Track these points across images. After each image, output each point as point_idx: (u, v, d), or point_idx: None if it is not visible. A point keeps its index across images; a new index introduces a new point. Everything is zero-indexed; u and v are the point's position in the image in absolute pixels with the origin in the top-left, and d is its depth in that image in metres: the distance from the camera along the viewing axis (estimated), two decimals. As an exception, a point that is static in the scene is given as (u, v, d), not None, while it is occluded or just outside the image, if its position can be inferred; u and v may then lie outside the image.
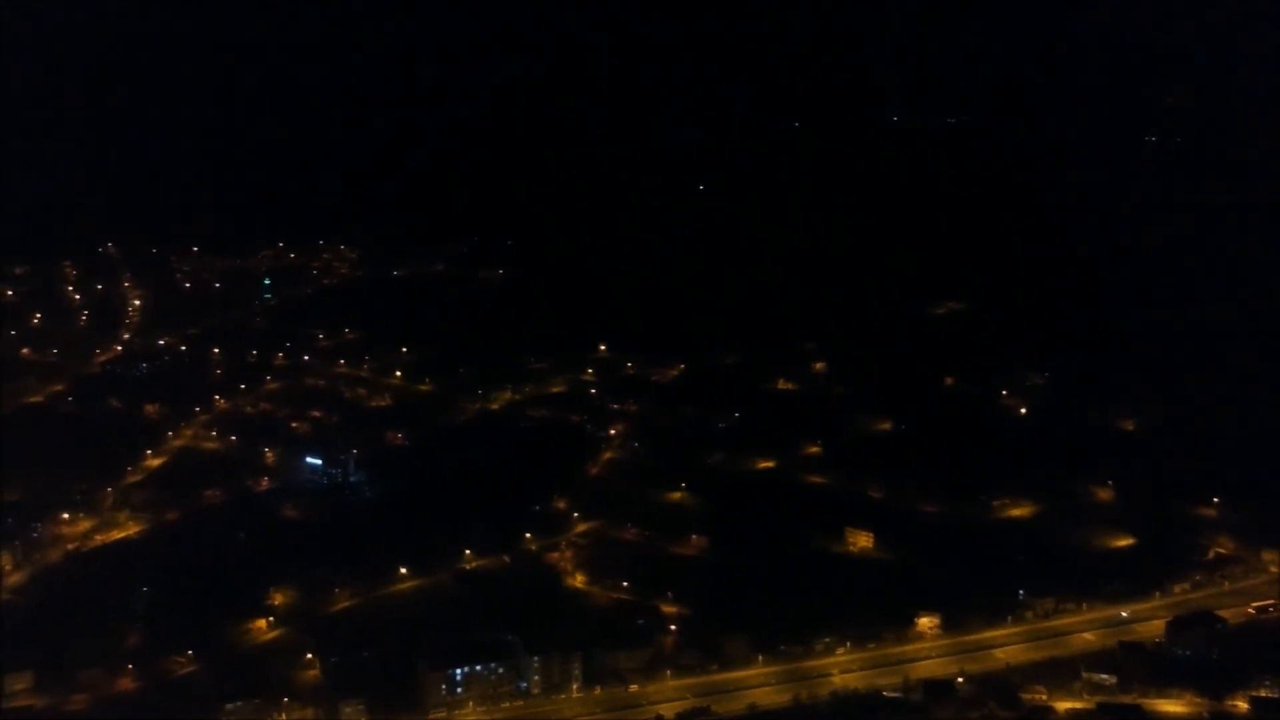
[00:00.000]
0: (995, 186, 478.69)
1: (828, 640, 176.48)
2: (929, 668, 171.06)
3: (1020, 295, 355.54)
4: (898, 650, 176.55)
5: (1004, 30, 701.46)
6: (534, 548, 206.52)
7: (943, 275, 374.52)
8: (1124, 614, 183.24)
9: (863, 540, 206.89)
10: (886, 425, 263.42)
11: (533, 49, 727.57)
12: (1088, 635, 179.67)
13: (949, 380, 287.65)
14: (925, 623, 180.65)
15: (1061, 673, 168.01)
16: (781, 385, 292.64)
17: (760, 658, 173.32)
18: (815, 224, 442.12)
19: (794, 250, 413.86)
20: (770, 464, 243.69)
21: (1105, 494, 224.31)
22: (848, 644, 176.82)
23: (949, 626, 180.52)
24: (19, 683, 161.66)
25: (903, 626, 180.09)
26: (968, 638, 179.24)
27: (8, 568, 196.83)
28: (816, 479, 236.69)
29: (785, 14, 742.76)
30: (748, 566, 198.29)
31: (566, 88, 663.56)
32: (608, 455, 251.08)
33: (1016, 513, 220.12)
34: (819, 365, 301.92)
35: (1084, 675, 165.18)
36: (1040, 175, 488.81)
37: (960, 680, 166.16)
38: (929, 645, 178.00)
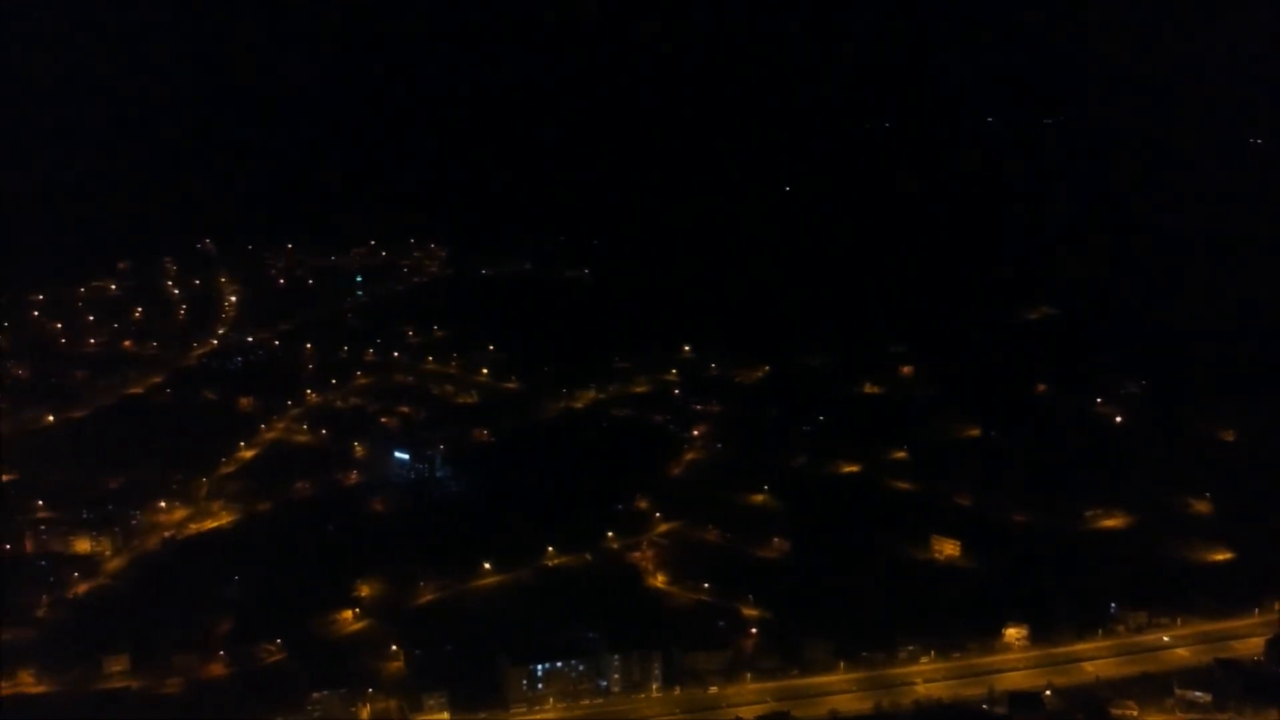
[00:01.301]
0: (1093, 188, 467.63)
1: (911, 648, 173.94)
2: (1015, 679, 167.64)
3: (1117, 300, 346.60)
4: (984, 660, 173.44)
5: (1103, 29, 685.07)
6: (616, 546, 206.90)
7: (1036, 279, 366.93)
8: (1221, 630, 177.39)
9: (949, 548, 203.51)
10: (975, 431, 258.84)
11: (624, 49, 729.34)
12: (1182, 651, 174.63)
13: (1041, 387, 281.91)
14: (1012, 633, 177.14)
15: (1154, 689, 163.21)
16: (868, 388, 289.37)
17: (842, 664, 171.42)
18: (906, 225, 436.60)
19: (883, 252, 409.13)
20: (855, 468, 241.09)
21: (1203, 506, 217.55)
22: (932, 653, 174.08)
23: (1037, 638, 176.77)
24: (116, 664, 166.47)
25: (989, 637, 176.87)
26: (1056, 650, 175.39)
27: (108, 553, 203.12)
28: (902, 484, 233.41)
29: (879, 12, 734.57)
30: (830, 571, 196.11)
31: (657, 88, 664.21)
32: (690, 456, 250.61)
33: (1110, 524, 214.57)
34: (907, 369, 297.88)
35: (1177, 692, 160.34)
36: (1140, 177, 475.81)
37: (1048, 693, 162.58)
38: (1016, 656, 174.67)
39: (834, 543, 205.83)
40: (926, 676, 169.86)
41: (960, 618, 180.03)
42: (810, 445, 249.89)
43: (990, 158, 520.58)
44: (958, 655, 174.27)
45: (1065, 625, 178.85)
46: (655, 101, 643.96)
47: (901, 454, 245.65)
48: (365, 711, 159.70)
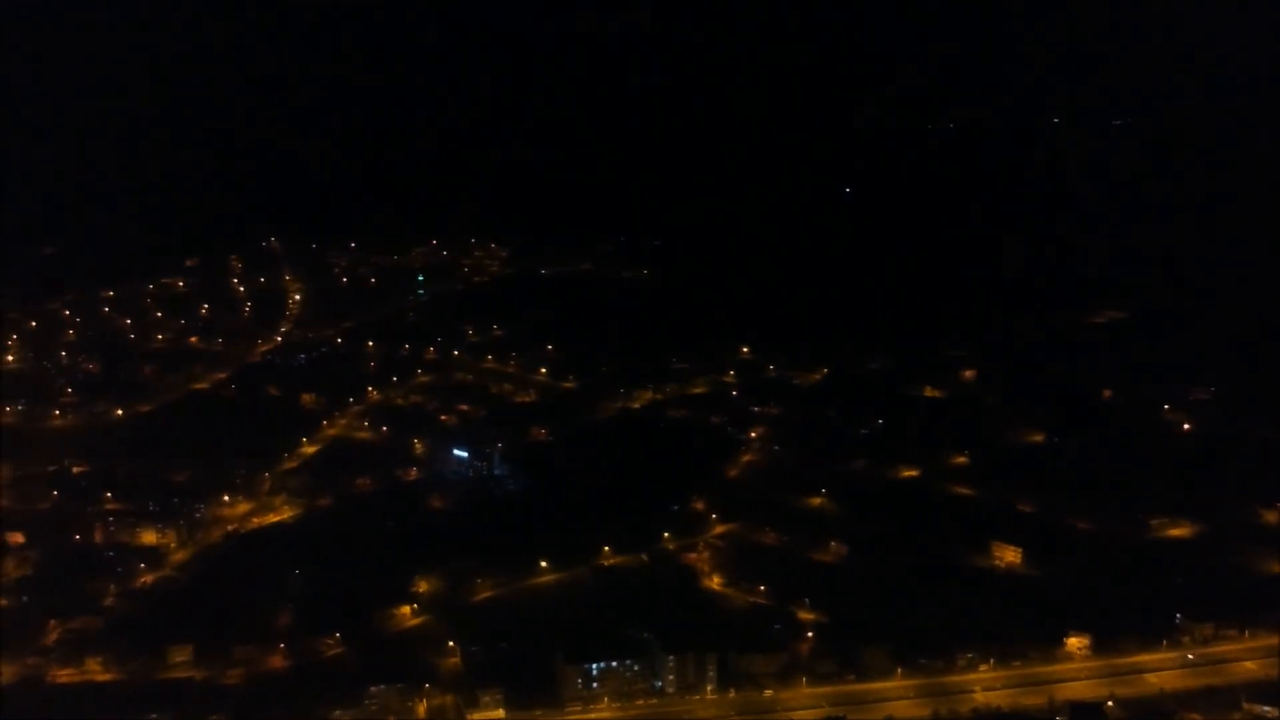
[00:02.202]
0: (1162, 189, 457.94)
1: (970, 656, 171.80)
2: (1077, 689, 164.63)
3: (1186, 304, 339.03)
4: (1044, 670, 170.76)
5: (1173, 28, 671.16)
6: (672, 547, 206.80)
7: (1103, 282, 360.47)
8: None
9: (1010, 555, 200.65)
10: (1039, 437, 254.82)
11: (685, 49, 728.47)
12: (1249, 664, 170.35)
13: (1107, 393, 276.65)
14: (1074, 643, 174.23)
15: (1220, 702, 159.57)
16: (928, 392, 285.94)
17: (899, 670, 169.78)
18: (968, 227, 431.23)
19: (944, 254, 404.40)
20: (914, 473, 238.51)
21: (1272, 516, 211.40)
22: (991, 661, 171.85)
23: (1100, 648, 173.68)
24: (180, 655, 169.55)
25: (1050, 645, 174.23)
26: (1119, 660, 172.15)
27: (173, 545, 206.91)
28: (962, 490, 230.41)
29: (943, 11, 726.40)
30: (888, 576, 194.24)
31: (718, 88, 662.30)
32: (747, 458, 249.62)
33: (1176, 533, 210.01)
34: (968, 373, 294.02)
35: (1245, 706, 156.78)
36: (1209, 179, 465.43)
37: (1110, 704, 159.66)
38: (1078, 666, 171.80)
39: (892, 547, 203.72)
40: (985, 685, 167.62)
41: (1021, 626, 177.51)
42: (869, 449, 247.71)
43: (1057, 158, 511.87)
44: (1018, 664, 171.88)
45: (1129, 635, 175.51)
46: (716, 102, 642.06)
47: (962, 459, 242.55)
48: (421, 707, 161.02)
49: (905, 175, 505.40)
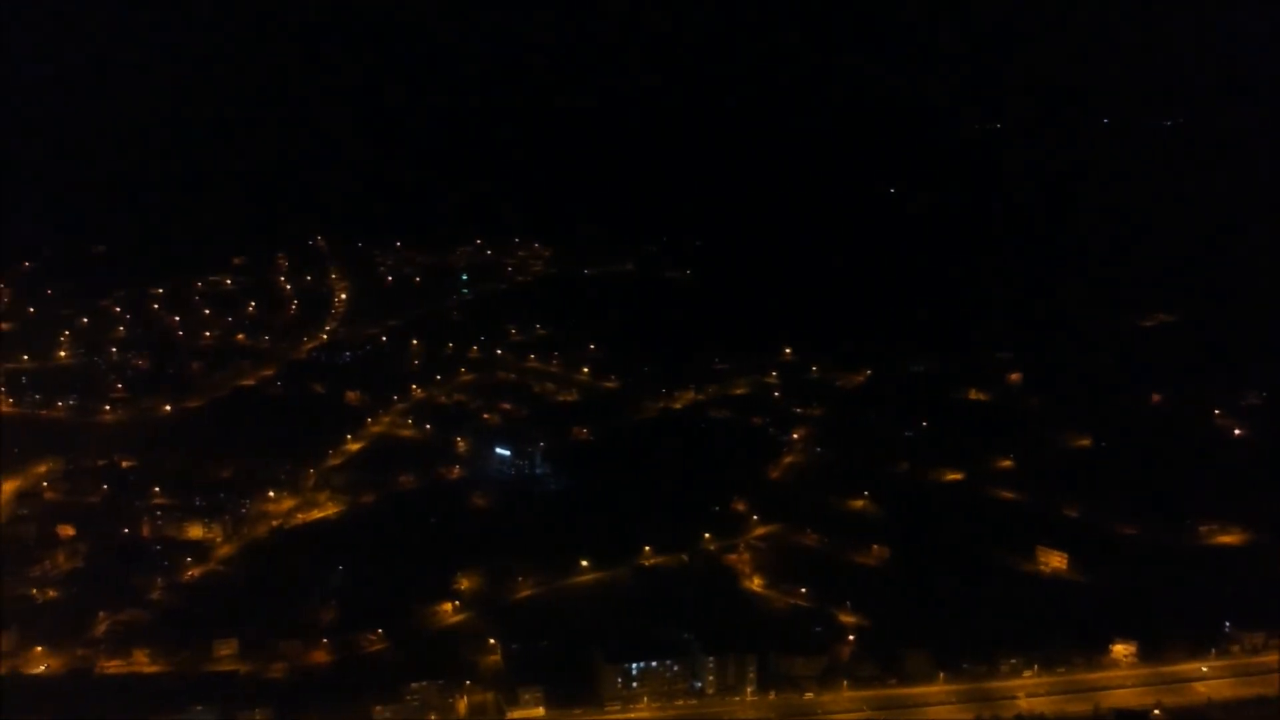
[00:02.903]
0: (1213, 192, 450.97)
1: (1014, 661, 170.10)
2: (1122, 697, 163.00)
3: (1238, 308, 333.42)
4: (1089, 677, 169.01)
5: (1225, 29, 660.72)
6: (712, 548, 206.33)
7: (1152, 285, 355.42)
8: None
9: (1055, 560, 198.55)
10: (1085, 442, 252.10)
11: (730, 50, 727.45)
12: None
13: (1156, 397, 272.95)
14: (1120, 650, 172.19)
15: (1269, 712, 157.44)
16: (973, 395, 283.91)
17: (941, 675, 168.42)
18: (1015, 228, 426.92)
19: (990, 255, 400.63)
20: (958, 476, 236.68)
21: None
22: (1035, 667, 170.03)
23: (1146, 655, 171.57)
24: (225, 648, 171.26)
25: (1096, 652, 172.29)
26: (1166, 669, 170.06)
27: (219, 540, 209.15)
28: (1007, 494, 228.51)
29: (989, 10, 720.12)
30: (931, 580, 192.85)
31: (762, 89, 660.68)
32: (789, 459, 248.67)
33: (1226, 540, 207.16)
34: (1014, 376, 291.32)
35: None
36: (1261, 180, 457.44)
37: (1156, 712, 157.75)
38: (1123, 674, 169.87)
39: (935, 551, 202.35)
40: (1029, 691, 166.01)
41: (1066, 632, 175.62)
42: (912, 452, 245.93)
43: (1106, 159, 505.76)
44: (1062, 670, 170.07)
45: (1177, 643, 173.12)
46: (759, 103, 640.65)
47: (1007, 463, 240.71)
48: (462, 704, 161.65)
49: (951, 175, 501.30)
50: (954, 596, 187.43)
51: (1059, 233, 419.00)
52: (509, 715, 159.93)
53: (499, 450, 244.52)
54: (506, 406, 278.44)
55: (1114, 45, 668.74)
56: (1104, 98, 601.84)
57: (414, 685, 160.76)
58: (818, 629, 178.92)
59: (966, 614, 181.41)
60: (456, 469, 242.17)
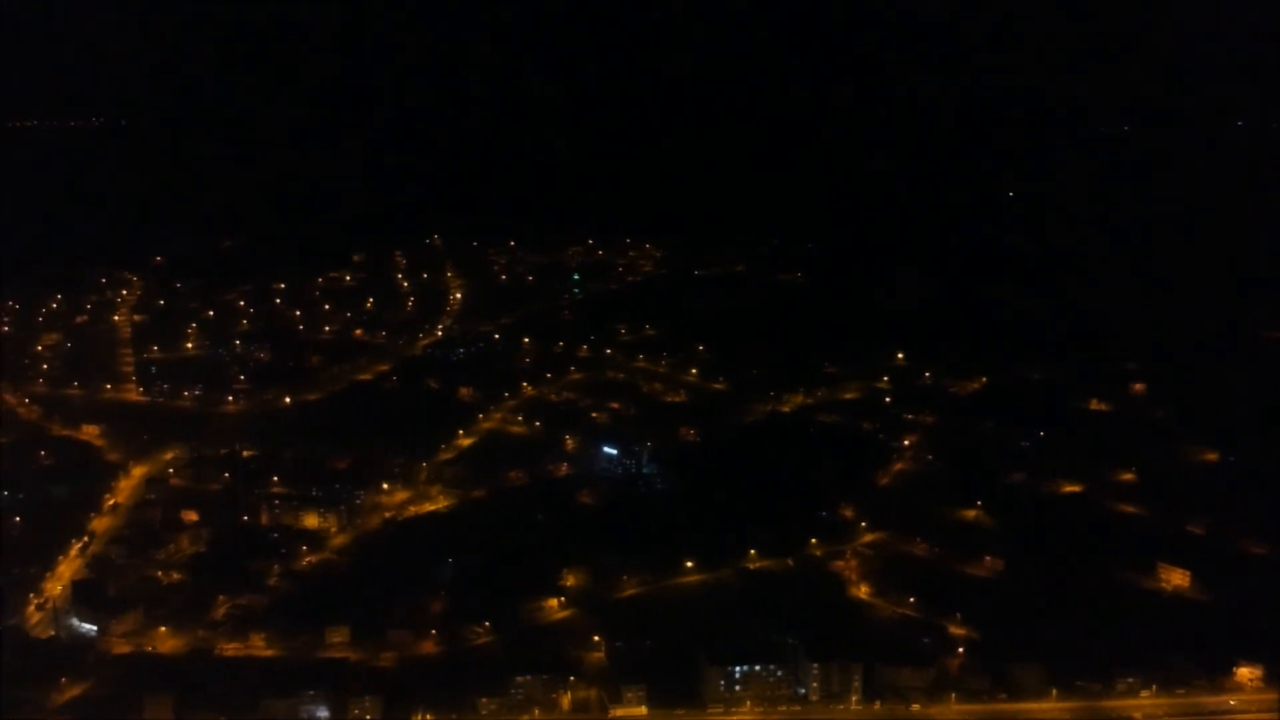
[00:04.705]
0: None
1: (1131, 680, 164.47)
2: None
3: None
4: (1211, 700, 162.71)
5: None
6: (819, 554, 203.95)
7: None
8: None
9: (1177, 578, 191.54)
10: (1212, 456, 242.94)
11: (850, 51, 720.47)
12: None
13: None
14: (1245, 673, 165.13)
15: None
16: (1094, 405, 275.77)
17: (1054, 691, 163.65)
18: (1140, 233, 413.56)
19: (1115, 261, 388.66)
20: (1076, 488, 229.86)
21: None
22: (1154, 687, 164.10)
23: (1273, 679, 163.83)
24: (337, 635, 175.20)
25: (1219, 674, 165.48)
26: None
27: (333, 530, 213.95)
28: (1128, 508, 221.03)
29: (1116, 12, 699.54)
30: (1046, 594, 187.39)
31: (880, 93, 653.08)
32: (899, 466, 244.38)
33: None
34: (1138, 386, 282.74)
35: None
36: None
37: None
38: (1248, 698, 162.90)
39: (1051, 564, 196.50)
40: (1146, 712, 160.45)
41: (1187, 652, 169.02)
42: (1029, 462, 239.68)
43: (1240, 163, 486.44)
44: (1182, 692, 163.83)
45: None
46: (879, 106, 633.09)
47: (1129, 476, 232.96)
48: (566, 699, 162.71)
49: (1075, 178, 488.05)
50: (1069, 611, 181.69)
51: (1188, 238, 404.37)
52: (612, 713, 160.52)
53: (606, 449, 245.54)
54: (615, 406, 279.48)
55: (1251, 48, 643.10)
56: (1240, 101, 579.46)
57: (519, 679, 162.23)
58: (926, 640, 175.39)
59: (1082, 630, 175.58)
60: (564, 466, 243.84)
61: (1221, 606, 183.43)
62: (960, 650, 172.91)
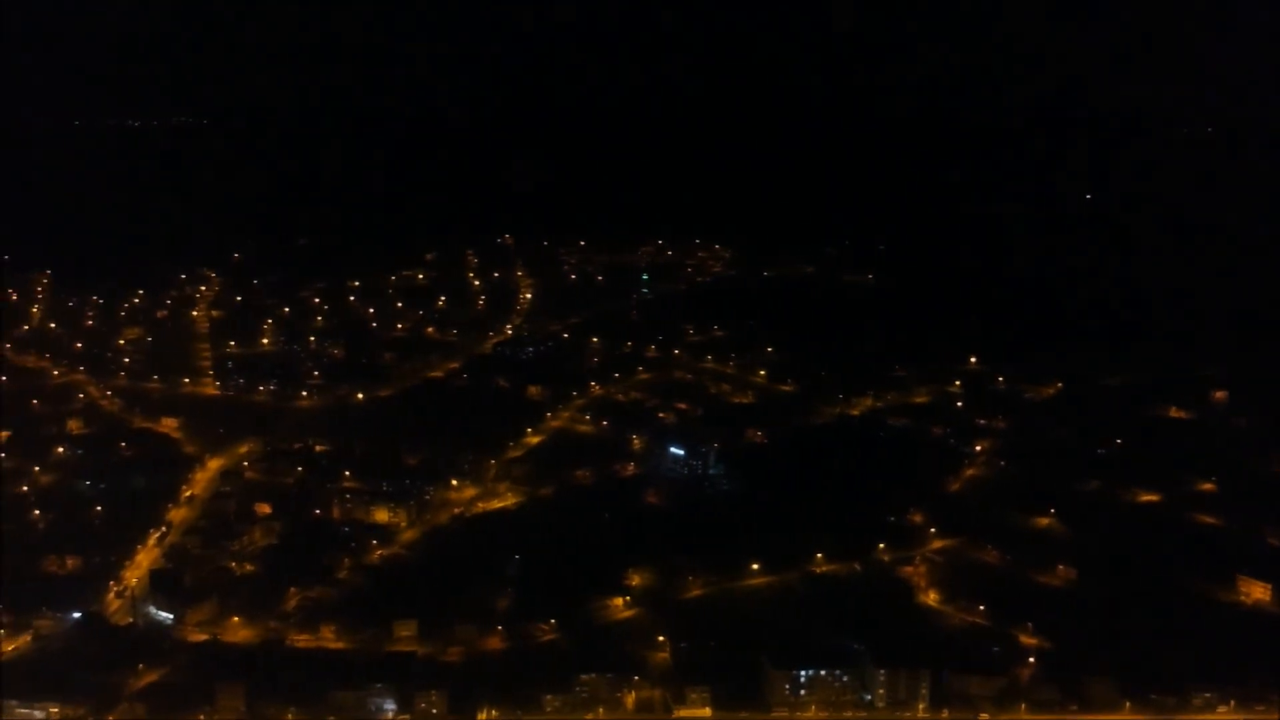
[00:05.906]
0: None
1: (1208, 695, 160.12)
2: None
3: None
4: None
5: None
6: (887, 559, 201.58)
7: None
8: None
9: (1258, 591, 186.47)
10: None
11: (920, 52, 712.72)
12: None
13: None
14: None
15: None
16: (1173, 413, 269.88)
17: (1127, 704, 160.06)
18: (1222, 237, 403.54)
19: (1196, 265, 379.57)
20: (1154, 497, 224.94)
21: None
22: (1232, 703, 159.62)
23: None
24: (405, 629, 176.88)
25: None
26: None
27: (403, 525, 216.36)
28: (1207, 519, 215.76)
29: (1194, 15, 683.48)
30: (1120, 605, 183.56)
31: (957, 96, 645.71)
32: (970, 472, 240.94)
33: None
34: (1219, 394, 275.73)
35: None
36: None
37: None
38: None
39: (1126, 575, 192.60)
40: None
41: (1267, 668, 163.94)
42: (1105, 470, 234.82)
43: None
44: (1261, 709, 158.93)
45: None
46: (952, 110, 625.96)
47: (1209, 486, 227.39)
48: (630, 698, 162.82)
49: (1155, 180, 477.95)
50: (1144, 623, 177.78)
51: (1273, 242, 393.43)
52: (676, 713, 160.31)
53: (673, 449, 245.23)
54: (682, 406, 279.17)
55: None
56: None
57: (583, 677, 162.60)
58: (996, 649, 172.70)
59: (1157, 642, 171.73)
60: (631, 466, 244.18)
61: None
62: (1031, 660, 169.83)
